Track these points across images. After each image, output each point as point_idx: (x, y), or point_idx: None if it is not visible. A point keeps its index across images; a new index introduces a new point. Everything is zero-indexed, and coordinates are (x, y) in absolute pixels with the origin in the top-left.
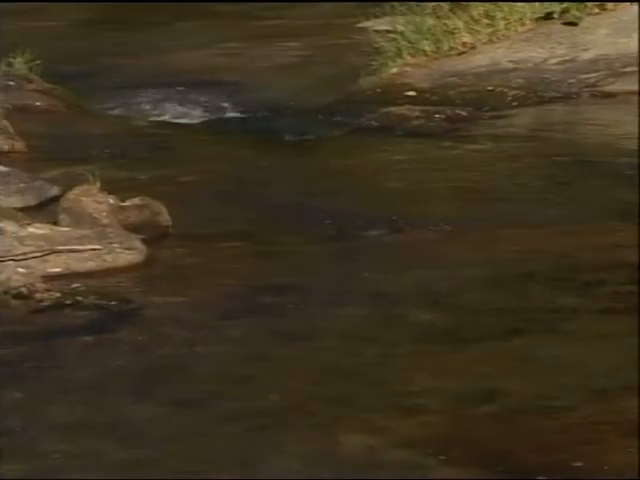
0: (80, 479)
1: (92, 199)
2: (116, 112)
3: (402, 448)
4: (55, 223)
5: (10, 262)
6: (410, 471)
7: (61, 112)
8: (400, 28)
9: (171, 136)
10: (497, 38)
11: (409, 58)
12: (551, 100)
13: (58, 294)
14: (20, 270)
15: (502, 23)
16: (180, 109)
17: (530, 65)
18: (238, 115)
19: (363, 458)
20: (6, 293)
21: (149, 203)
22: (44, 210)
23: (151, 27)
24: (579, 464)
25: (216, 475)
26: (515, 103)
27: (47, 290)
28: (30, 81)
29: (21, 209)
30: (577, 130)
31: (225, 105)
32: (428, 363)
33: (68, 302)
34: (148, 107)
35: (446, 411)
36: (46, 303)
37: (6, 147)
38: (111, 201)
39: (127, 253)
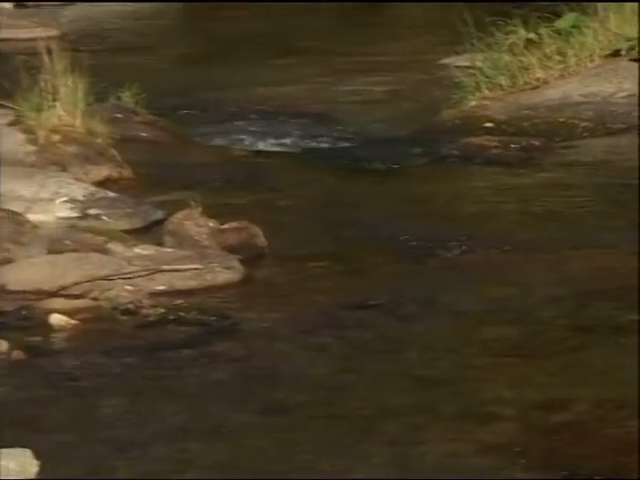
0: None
1: (194, 222)
2: (215, 142)
3: (480, 453)
4: (160, 244)
5: (119, 280)
6: (487, 474)
7: (165, 142)
8: (479, 64)
9: (266, 164)
10: (568, 73)
11: (487, 92)
12: (618, 131)
13: (162, 310)
14: (128, 288)
15: (573, 59)
16: (275, 139)
17: (599, 99)
18: (328, 145)
19: (443, 462)
20: (115, 309)
21: (246, 226)
22: (150, 232)
23: (246, 64)
24: None
25: (305, 477)
26: (585, 134)
27: (152, 306)
28: (136, 113)
29: (129, 231)
30: None
31: (316, 135)
32: (504, 374)
33: (171, 318)
34: (245, 137)
35: (521, 419)
36: (151, 318)
37: (115, 174)
38: (211, 224)
39: (226, 272)
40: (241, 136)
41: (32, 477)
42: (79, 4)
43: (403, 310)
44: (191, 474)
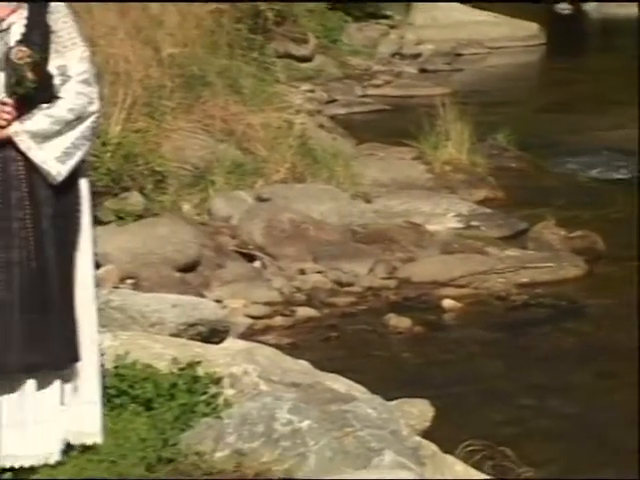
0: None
1: (549, 231)
2: (565, 171)
3: None
4: (524, 248)
5: (493, 274)
6: None
7: (528, 171)
8: None
9: (603, 188)
10: None
11: None
12: None
13: (526, 297)
14: (500, 280)
15: None
16: (610, 169)
17: None
18: None
19: None
20: (490, 296)
21: (589, 234)
22: (516, 239)
23: (589, 112)
24: None
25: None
26: None
27: (518, 294)
28: (507, 150)
29: (500, 238)
30: None
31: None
32: None
33: (532, 302)
34: (587, 167)
35: None
36: (518, 303)
37: (491, 196)
38: (562, 233)
39: (573, 269)
40: (585, 167)
41: (428, 421)
42: (467, 70)
43: None
44: (545, 420)
